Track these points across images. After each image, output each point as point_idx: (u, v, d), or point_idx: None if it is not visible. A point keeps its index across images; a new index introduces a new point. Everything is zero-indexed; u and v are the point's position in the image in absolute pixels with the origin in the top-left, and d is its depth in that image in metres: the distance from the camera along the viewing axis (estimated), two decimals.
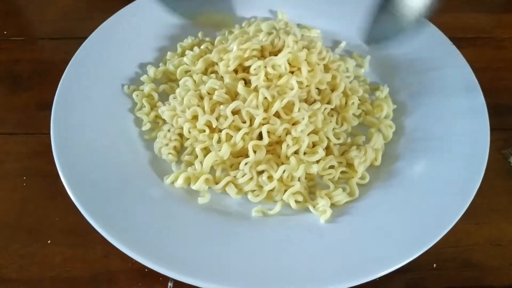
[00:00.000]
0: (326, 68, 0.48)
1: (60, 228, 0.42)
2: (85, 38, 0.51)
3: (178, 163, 0.45)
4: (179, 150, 0.46)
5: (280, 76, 0.45)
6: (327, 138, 0.45)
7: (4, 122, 0.50)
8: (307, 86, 0.46)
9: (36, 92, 0.52)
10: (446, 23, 0.56)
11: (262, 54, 0.47)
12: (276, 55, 0.46)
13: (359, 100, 0.49)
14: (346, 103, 0.48)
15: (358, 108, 0.49)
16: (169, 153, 0.45)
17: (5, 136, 0.48)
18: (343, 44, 0.55)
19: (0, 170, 0.45)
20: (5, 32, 0.58)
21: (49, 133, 0.43)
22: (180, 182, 0.42)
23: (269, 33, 0.48)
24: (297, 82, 0.45)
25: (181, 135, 0.46)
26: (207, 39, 0.54)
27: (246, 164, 0.43)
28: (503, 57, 0.49)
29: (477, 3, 0.64)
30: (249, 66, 0.46)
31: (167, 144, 0.45)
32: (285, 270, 0.36)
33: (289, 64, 0.46)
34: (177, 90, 0.47)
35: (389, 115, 0.49)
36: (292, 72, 0.46)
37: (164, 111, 0.47)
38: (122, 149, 0.44)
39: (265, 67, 0.45)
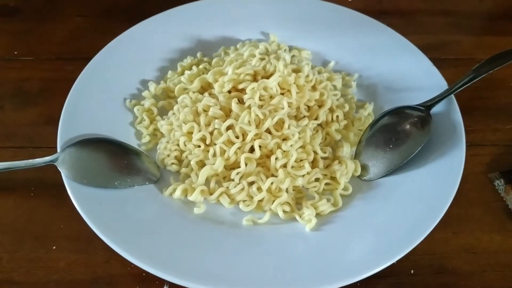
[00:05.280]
0: (314, 88, 0.52)
1: (64, 235, 0.44)
2: (90, 58, 0.54)
3: (175, 176, 0.47)
4: (180, 159, 0.48)
5: (271, 97, 0.49)
6: (314, 152, 0.48)
7: (14, 136, 0.52)
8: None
9: (44, 108, 0.55)
10: (429, 44, 0.60)
11: (254, 78, 0.51)
12: (267, 78, 0.50)
13: (344, 116, 0.52)
14: (332, 119, 0.51)
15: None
16: (172, 163, 0.48)
17: (15, 150, 0.51)
18: (332, 64, 0.58)
19: (10, 181, 0.48)
20: (15, 52, 0.61)
21: (55, 147, 0.46)
22: (178, 194, 0.45)
23: (262, 59, 0.51)
24: (288, 102, 0.48)
25: (179, 146, 0.49)
26: (205, 59, 0.58)
27: (237, 174, 0.46)
28: (481, 77, 0.52)
29: (460, 26, 0.67)
30: (242, 88, 0.49)
31: (168, 155, 0.48)
32: (272, 273, 0.39)
33: (279, 86, 0.49)
34: (175, 107, 0.51)
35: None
36: (282, 94, 0.49)
37: (163, 125, 0.50)
38: None
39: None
